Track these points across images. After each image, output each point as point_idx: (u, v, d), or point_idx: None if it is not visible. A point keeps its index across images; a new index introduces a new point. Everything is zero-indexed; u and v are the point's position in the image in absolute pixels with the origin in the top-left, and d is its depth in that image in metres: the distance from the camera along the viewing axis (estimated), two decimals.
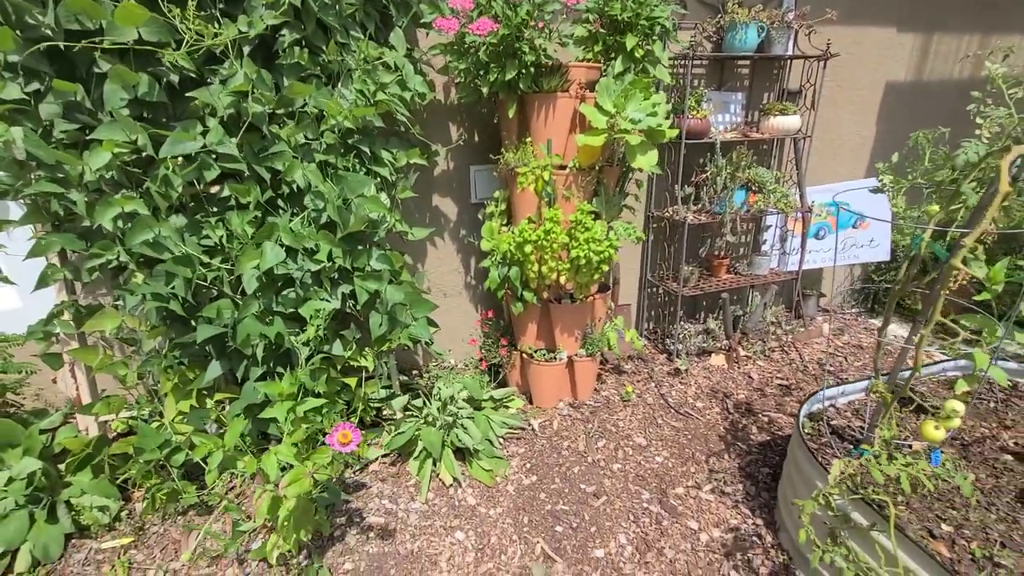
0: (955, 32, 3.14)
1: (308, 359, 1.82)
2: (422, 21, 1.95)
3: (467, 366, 2.82)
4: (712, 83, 2.81)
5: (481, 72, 1.93)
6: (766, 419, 2.44)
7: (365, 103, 1.78)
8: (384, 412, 2.28)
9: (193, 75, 1.69)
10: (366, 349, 2.07)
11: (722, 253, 3.03)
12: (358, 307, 1.89)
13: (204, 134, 1.67)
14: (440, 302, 2.75)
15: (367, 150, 1.87)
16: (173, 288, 1.69)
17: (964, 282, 1.60)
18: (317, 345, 1.83)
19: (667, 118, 1.99)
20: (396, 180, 2.01)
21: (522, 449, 2.25)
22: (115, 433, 2.05)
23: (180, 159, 1.67)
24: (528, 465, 2.16)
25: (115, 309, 1.81)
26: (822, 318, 3.46)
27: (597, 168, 2.08)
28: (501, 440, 2.26)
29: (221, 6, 1.64)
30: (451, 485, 2.03)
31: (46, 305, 1.82)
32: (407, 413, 2.26)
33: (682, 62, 2.57)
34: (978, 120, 1.47)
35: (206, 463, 1.61)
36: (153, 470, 1.82)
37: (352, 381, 1.95)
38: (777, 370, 2.87)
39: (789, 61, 2.83)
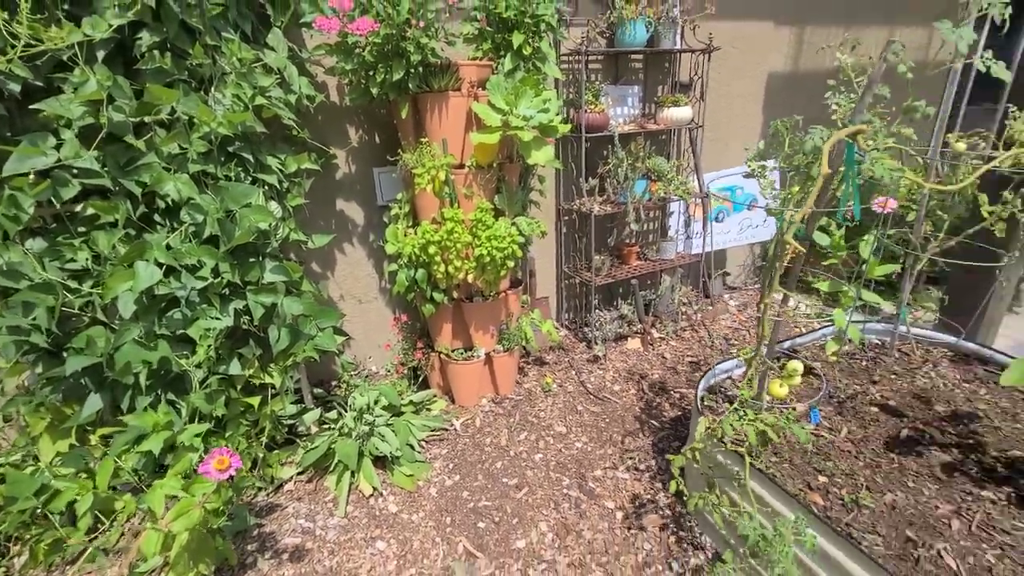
0: (824, 25, 3.43)
1: (203, 382, 1.72)
2: (303, 20, 1.88)
3: (389, 371, 2.78)
4: (608, 77, 2.91)
5: (369, 72, 1.89)
6: (678, 395, 2.57)
7: (243, 108, 1.69)
8: (298, 428, 2.19)
9: (41, 84, 1.55)
10: (271, 365, 1.98)
11: (631, 241, 3.15)
12: (255, 323, 1.80)
13: (60, 147, 1.53)
14: (355, 309, 2.69)
15: (250, 157, 1.78)
16: (35, 319, 1.54)
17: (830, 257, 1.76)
18: (211, 366, 1.73)
19: (559, 113, 2.04)
20: (288, 187, 1.93)
21: (444, 450, 2.24)
22: None
23: (32, 176, 1.52)
24: (451, 465, 2.15)
25: None
26: (728, 296, 3.69)
27: (496, 165, 2.10)
28: (423, 443, 2.24)
29: (66, 7, 1.50)
30: (372, 495, 1.99)
31: None
32: (322, 427, 2.19)
33: (577, 57, 2.64)
34: (833, 107, 1.62)
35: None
36: (31, 519, 1.65)
37: (256, 400, 1.86)
38: (688, 348, 3.03)
39: (678, 55, 2.98)
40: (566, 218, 3.04)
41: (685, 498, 1.54)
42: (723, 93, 3.26)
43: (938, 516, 1.38)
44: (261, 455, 1.99)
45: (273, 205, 1.85)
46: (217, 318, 1.70)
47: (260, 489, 2.01)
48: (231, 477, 1.22)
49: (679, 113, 2.85)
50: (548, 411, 2.48)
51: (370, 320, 2.74)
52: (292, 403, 2.08)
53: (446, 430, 2.34)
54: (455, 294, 2.26)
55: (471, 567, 1.71)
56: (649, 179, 2.89)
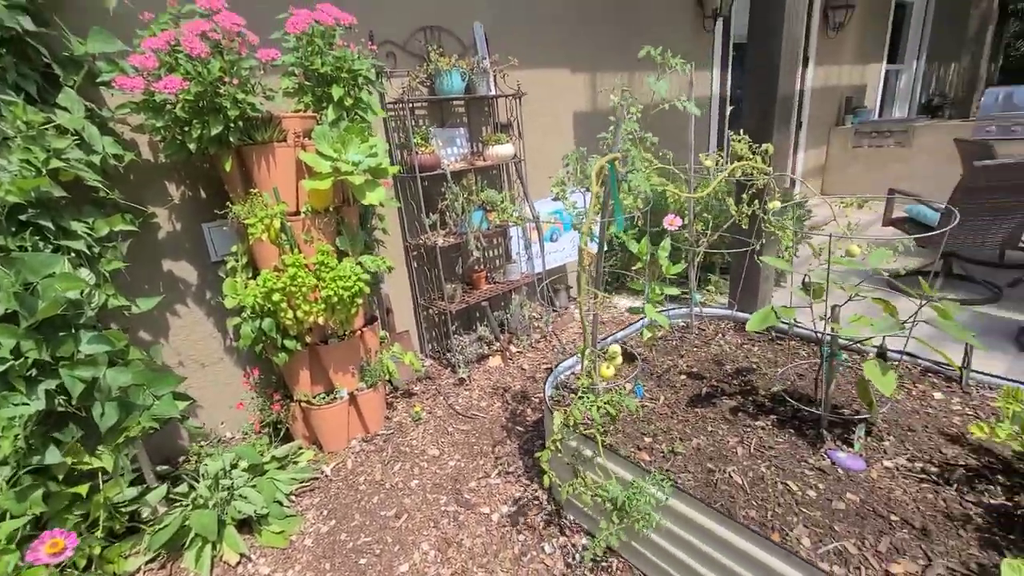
0: (608, 72, 4.12)
1: (11, 480, 1.51)
2: (100, 80, 1.81)
3: (247, 433, 2.62)
4: (435, 121, 3.16)
5: (184, 128, 1.87)
6: (537, 400, 2.82)
7: (35, 173, 1.57)
8: (142, 514, 1.98)
9: None
10: (99, 447, 1.78)
11: (479, 267, 3.40)
12: (73, 402, 1.63)
13: None
14: (198, 375, 2.51)
15: (50, 224, 1.64)
16: None
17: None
18: (20, 459, 1.53)
19: (388, 156, 2.20)
20: (101, 252, 1.81)
21: (317, 499, 2.19)
22: None
23: None
24: (325, 512, 2.11)
25: None
26: (573, 306, 4.12)
27: (333, 209, 2.18)
28: (292, 497, 2.16)
29: None
30: (239, 563, 1.87)
31: None
32: (172, 505, 2.00)
33: (401, 105, 2.85)
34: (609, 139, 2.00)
35: None
36: None
37: (84, 489, 1.67)
38: (543, 357, 3.33)
39: (494, 99, 3.36)
40: (415, 253, 3.19)
41: (559, 487, 1.74)
42: (539, 130, 3.71)
43: (728, 447, 1.75)
44: (98, 551, 1.77)
45: (84, 272, 1.72)
46: (24, 403, 1.52)
47: None
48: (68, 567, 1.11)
49: (502, 150, 3.20)
50: (420, 438, 2.56)
51: (218, 383, 2.57)
52: (131, 486, 1.89)
53: (317, 479, 2.29)
54: (308, 338, 2.25)
55: None
56: (485, 210, 3.18)
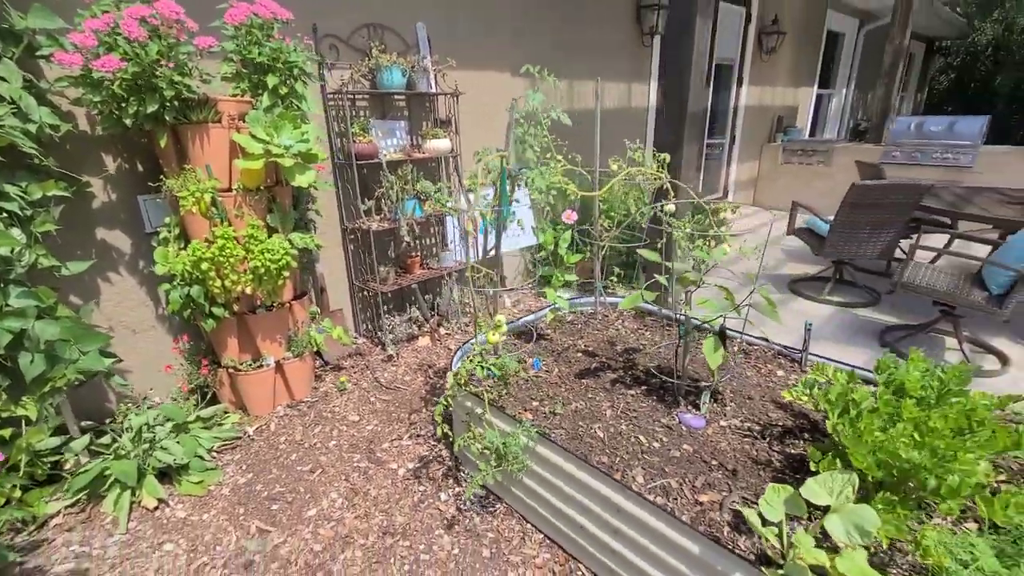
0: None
1: None
2: (40, 53, 1.93)
3: (175, 399, 2.74)
4: (376, 113, 3.36)
5: (121, 104, 2.01)
6: None
7: None
8: (65, 464, 2.11)
9: None
10: (24, 397, 1.91)
11: (413, 252, 3.61)
12: (0, 351, 1.76)
13: None
14: (129, 340, 2.62)
15: None
16: None
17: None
18: None
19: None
20: (33, 214, 1.93)
21: (238, 456, 2.36)
22: None
23: None
24: (244, 467, 2.29)
25: None
26: (506, 294, 4.38)
27: (265, 188, 2.36)
28: (214, 453, 2.33)
29: None
30: (157, 507, 2.04)
31: None
32: (96, 456, 2.14)
33: (341, 96, 3.04)
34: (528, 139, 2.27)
35: None
36: None
37: (7, 432, 1.80)
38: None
39: (434, 97, 3.58)
40: (351, 236, 3.37)
41: (451, 440, 1.99)
42: (478, 127, 3.95)
43: (601, 410, 2.05)
44: (18, 494, 1.90)
45: (16, 231, 1.84)
46: None
47: (18, 531, 1.91)
48: None
49: (439, 144, 3.42)
50: (343, 406, 2.76)
51: (148, 350, 2.69)
52: (54, 435, 2.02)
53: (239, 438, 2.46)
54: (236, 307, 2.42)
55: (263, 541, 1.91)
56: (420, 199, 3.40)
